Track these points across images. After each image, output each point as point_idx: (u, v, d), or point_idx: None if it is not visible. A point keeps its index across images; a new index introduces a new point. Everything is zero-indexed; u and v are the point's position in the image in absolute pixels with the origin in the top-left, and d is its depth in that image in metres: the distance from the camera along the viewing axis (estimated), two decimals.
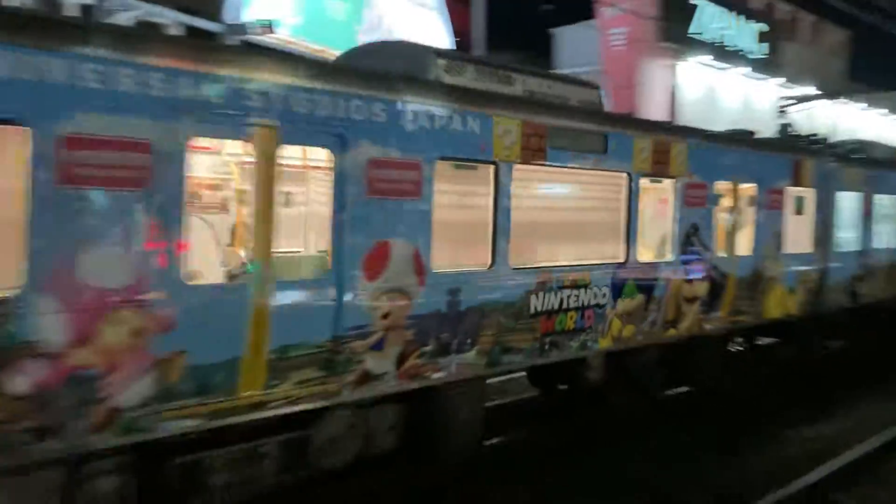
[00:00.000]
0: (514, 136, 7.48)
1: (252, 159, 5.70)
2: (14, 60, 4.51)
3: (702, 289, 10.03)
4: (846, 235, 13.35)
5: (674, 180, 9.49)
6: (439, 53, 7.71)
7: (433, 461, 7.53)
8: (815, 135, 14.89)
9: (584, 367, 9.00)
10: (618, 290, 8.73)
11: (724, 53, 28.69)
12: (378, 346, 6.45)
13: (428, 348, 6.84)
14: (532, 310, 7.76)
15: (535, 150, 7.69)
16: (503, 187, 7.41)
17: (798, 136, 14.24)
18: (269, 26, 13.10)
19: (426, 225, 6.74)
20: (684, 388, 10.93)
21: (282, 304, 5.79)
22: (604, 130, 8.51)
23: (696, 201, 9.79)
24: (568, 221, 8.53)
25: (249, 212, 5.73)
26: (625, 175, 8.78)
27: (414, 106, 6.62)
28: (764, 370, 12.58)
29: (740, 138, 11.38)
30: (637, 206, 8.90)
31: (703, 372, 10.80)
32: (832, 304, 13.04)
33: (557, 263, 8.09)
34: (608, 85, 24.98)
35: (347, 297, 6.19)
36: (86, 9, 9.70)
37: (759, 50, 30.57)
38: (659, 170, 9.22)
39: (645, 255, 9.24)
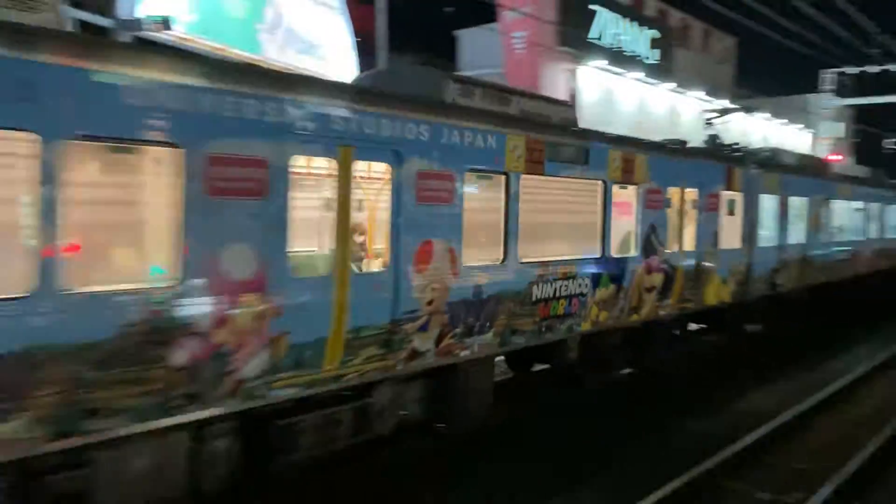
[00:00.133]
0: (520, 150, 8.85)
1: (335, 173, 6.86)
2: (173, 95, 5.56)
3: (658, 280, 11.67)
4: (767, 233, 15.34)
5: (637, 187, 11.06)
6: (454, 78, 9.00)
7: (454, 427, 8.82)
8: (737, 144, 16.87)
9: (564, 348, 10.46)
10: (596, 281, 10.23)
11: (621, 58, 29.44)
12: (424, 328, 7.71)
13: (458, 330, 8.14)
14: (534, 297, 9.15)
15: (536, 163, 9.08)
16: (513, 194, 8.77)
17: (723, 146, 16.13)
18: (163, 23, 12.36)
19: (458, 226, 8.04)
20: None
21: (357, 292, 6.98)
22: (586, 145, 9.98)
23: (654, 205, 11.41)
24: (559, 222, 9.99)
25: (333, 216, 6.90)
26: (601, 182, 10.28)
27: (450, 126, 7.90)
28: (699, 352, 14.45)
29: (688, 150, 13.11)
30: (611, 208, 10.42)
31: (655, 352, 12.47)
32: (756, 292, 15.00)
33: (552, 258, 9.50)
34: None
35: (402, 287, 7.43)
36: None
37: (653, 56, 31.55)
38: (626, 178, 10.78)
39: (616, 251, 10.77)
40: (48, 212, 4.90)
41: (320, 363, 6.76)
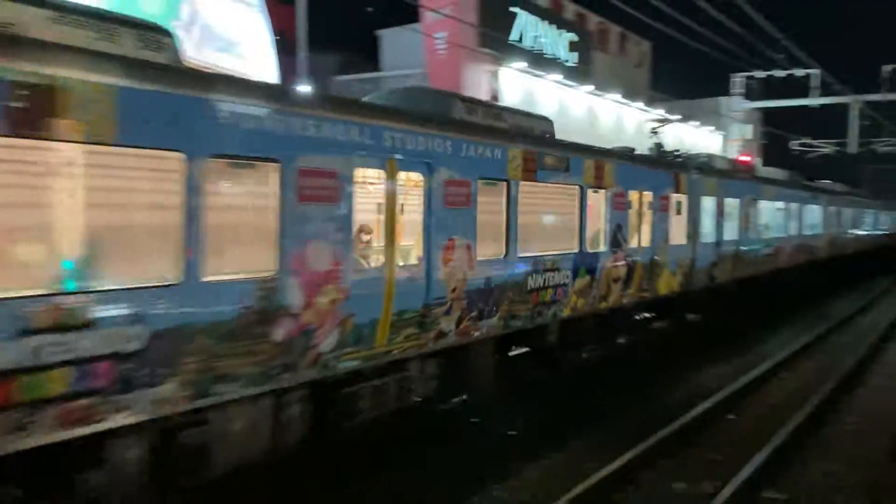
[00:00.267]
0: (518, 160, 10.32)
1: (384, 182, 8.20)
2: (273, 120, 6.82)
3: (622, 272, 13.33)
4: (707, 231, 17.26)
5: (606, 190, 12.69)
6: (461, 98, 10.42)
7: (464, 400, 10.24)
8: (677, 150, 18.79)
9: (546, 332, 11.98)
10: (575, 272, 11.80)
11: (541, 61, 30.18)
12: (448, 312, 9.10)
13: (473, 314, 9.56)
14: (529, 287, 10.64)
15: (530, 171, 10.57)
16: (513, 198, 10.23)
17: (667, 153, 17.98)
18: None
19: (474, 226, 9.46)
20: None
21: (400, 281, 8.33)
22: (567, 155, 11.53)
23: (619, 206, 13.06)
24: (547, 222, 11.50)
25: (382, 217, 8.24)
26: (579, 187, 11.86)
27: (467, 141, 9.31)
28: (650, 338, 16.25)
29: (644, 158, 14.86)
30: (586, 209, 12.00)
31: (618, 337, 14.16)
32: (698, 283, 16.89)
33: (542, 253, 11.00)
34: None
35: (433, 277, 8.80)
36: None
37: (572, 59, 32.39)
38: (598, 183, 12.39)
39: (590, 246, 12.36)
40: (192, 215, 6.11)
41: (374, 341, 8.08)
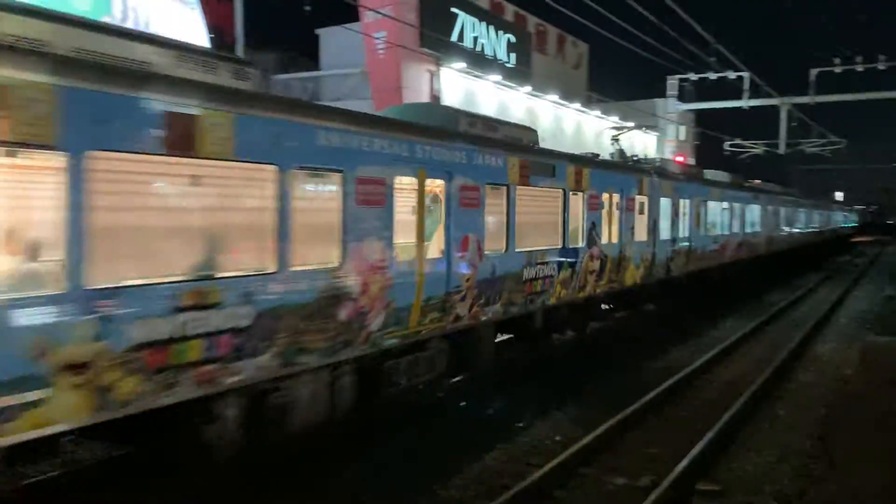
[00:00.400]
0: (516, 167, 11.88)
1: (416, 187, 9.67)
2: (336, 136, 8.23)
3: (596, 265, 15.02)
4: (664, 228, 19.11)
5: (583, 193, 14.34)
6: (463, 114, 11.93)
7: (470, 375, 11.76)
8: (635, 155, 20.63)
9: (533, 319, 13.57)
10: (560, 265, 13.42)
11: (481, 61, 30.38)
12: (463, 299, 10.61)
13: (481, 301, 11.08)
14: (524, 278, 12.21)
15: (525, 176, 12.14)
16: (512, 200, 11.78)
17: (627, 157, 19.79)
18: None
19: (482, 224, 10.98)
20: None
21: (428, 272, 9.80)
22: (553, 162, 13.15)
23: (594, 207, 14.74)
24: (537, 221, 13.09)
25: (415, 218, 9.70)
26: (562, 190, 13.48)
27: (478, 151, 10.83)
28: (614, 325, 18.06)
29: (614, 163, 16.60)
30: (568, 210, 13.64)
31: (589, 323, 15.88)
32: (657, 276, 18.74)
33: (534, 248, 12.58)
34: (372, 87, 26.54)
35: (452, 269, 10.30)
36: None
37: (511, 59, 32.61)
38: (577, 186, 14.04)
39: (572, 242, 14.00)
40: (283, 215, 7.49)
41: (408, 322, 9.54)
